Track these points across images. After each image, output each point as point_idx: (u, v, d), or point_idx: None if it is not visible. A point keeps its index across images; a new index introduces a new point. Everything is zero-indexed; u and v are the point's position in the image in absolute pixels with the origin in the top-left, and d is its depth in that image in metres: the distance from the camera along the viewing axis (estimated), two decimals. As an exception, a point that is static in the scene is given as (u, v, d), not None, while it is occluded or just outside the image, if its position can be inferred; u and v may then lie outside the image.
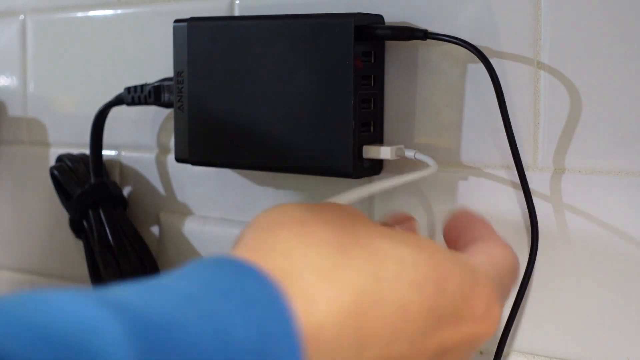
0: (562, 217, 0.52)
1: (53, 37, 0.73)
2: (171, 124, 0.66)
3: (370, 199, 0.58)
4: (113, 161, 0.71)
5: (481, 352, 0.55)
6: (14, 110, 0.77)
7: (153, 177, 0.68)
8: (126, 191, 0.70)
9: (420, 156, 0.53)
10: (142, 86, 0.64)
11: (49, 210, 0.75)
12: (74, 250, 0.74)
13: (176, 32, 0.59)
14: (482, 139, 0.53)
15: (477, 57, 0.51)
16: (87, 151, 0.68)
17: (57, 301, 0.29)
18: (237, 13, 0.62)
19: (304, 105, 0.54)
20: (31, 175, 0.76)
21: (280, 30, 0.55)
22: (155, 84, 0.63)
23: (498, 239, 0.44)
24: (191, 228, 0.65)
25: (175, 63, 0.59)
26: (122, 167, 0.70)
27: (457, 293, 0.37)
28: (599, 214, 0.50)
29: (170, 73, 0.63)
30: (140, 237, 0.64)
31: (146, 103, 0.64)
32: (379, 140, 0.56)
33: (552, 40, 0.51)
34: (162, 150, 0.68)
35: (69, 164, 0.68)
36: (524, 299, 0.53)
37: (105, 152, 0.70)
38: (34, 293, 0.29)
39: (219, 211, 0.65)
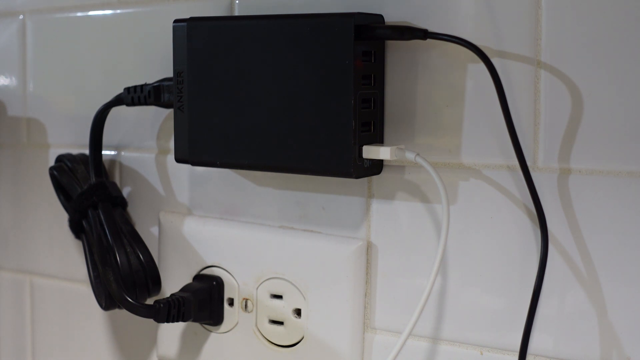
0: (566, 218, 0.52)
1: (52, 37, 0.73)
2: (171, 124, 0.66)
3: (368, 200, 0.58)
4: (113, 161, 0.71)
5: (481, 353, 0.55)
6: (14, 110, 0.77)
7: (153, 177, 0.68)
8: (126, 191, 0.70)
9: (420, 160, 0.53)
10: (141, 86, 0.64)
11: (49, 210, 0.75)
12: (74, 250, 0.74)
13: (176, 32, 0.59)
14: (482, 139, 0.53)
15: (478, 56, 0.51)
16: (86, 151, 0.68)
17: None
18: (237, 13, 0.62)
19: (304, 105, 0.54)
20: (31, 176, 0.76)
21: (280, 30, 0.55)
22: (155, 84, 0.63)
23: None
24: (191, 228, 0.65)
25: (175, 63, 0.59)
26: (122, 167, 0.70)
27: None
28: (599, 214, 0.50)
29: (170, 73, 0.63)
30: (140, 237, 0.64)
31: (146, 103, 0.64)
32: (379, 140, 0.56)
33: (552, 39, 0.51)
34: (162, 150, 0.68)
35: (69, 164, 0.68)
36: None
37: (105, 152, 0.70)
38: None
39: (219, 211, 0.65)
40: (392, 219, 0.57)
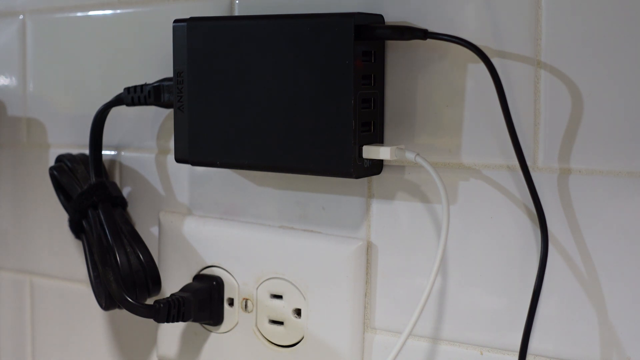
0: (566, 218, 0.52)
1: (53, 37, 0.73)
2: (171, 124, 0.66)
3: (368, 200, 0.58)
4: (113, 161, 0.71)
5: (481, 353, 0.55)
6: (14, 110, 0.77)
7: (153, 177, 0.68)
8: (126, 191, 0.70)
9: (420, 160, 0.53)
10: (141, 86, 0.64)
11: (49, 210, 0.75)
12: (74, 250, 0.74)
13: (176, 32, 0.59)
14: (482, 139, 0.53)
15: (478, 56, 0.51)
16: (86, 151, 0.68)
17: None
18: (237, 13, 0.62)
19: (304, 105, 0.54)
20: (31, 176, 0.76)
21: (280, 30, 0.55)
22: (155, 84, 0.63)
23: None
24: (191, 228, 0.65)
25: (175, 63, 0.59)
26: (122, 167, 0.70)
27: None
28: (599, 214, 0.50)
29: (170, 73, 0.63)
30: (140, 237, 0.64)
31: (146, 103, 0.64)
32: (379, 140, 0.56)
33: (552, 39, 0.51)
34: (162, 150, 0.68)
35: (69, 164, 0.68)
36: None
37: (105, 152, 0.70)
38: None
39: (219, 211, 0.65)
40: (392, 219, 0.57)
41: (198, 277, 0.64)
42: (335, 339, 0.58)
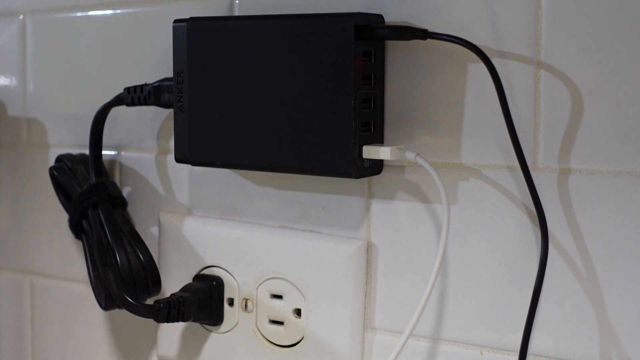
0: (566, 218, 0.52)
1: (53, 37, 0.73)
2: (171, 124, 0.66)
3: (368, 200, 0.58)
4: (113, 161, 0.71)
5: (481, 353, 0.55)
6: (14, 110, 0.77)
7: (153, 177, 0.68)
8: (126, 191, 0.70)
9: (420, 160, 0.53)
10: (141, 86, 0.64)
11: (49, 210, 0.75)
12: (74, 250, 0.74)
13: (176, 32, 0.59)
14: (482, 139, 0.53)
15: (478, 56, 0.51)
16: (86, 151, 0.68)
17: None
18: (237, 13, 0.62)
19: (304, 105, 0.54)
20: (31, 176, 0.76)
21: (280, 30, 0.55)
22: (155, 84, 0.63)
23: None
24: (191, 228, 0.65)
25: (175, 63, 0.59)
26: (122, 167, 0.70)
27: None
28: (599, 214, 0.50)
29: (170, 73, 0.63)
30: (140, 237, 0.64)
31: (146, 103, 0.64)
32: (379, 140, 0.56)
33: (552, 39, 0.51)
34: (162, 150, 0.68)
35: (69, 164, 0.68)
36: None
37: (105, 152, 0.70)
38: None
39: (219, 211, 0.65)
40: (392, 219, 0.57)
41: (198, 277, 0.64)
42: (335, 339, 0.58)
